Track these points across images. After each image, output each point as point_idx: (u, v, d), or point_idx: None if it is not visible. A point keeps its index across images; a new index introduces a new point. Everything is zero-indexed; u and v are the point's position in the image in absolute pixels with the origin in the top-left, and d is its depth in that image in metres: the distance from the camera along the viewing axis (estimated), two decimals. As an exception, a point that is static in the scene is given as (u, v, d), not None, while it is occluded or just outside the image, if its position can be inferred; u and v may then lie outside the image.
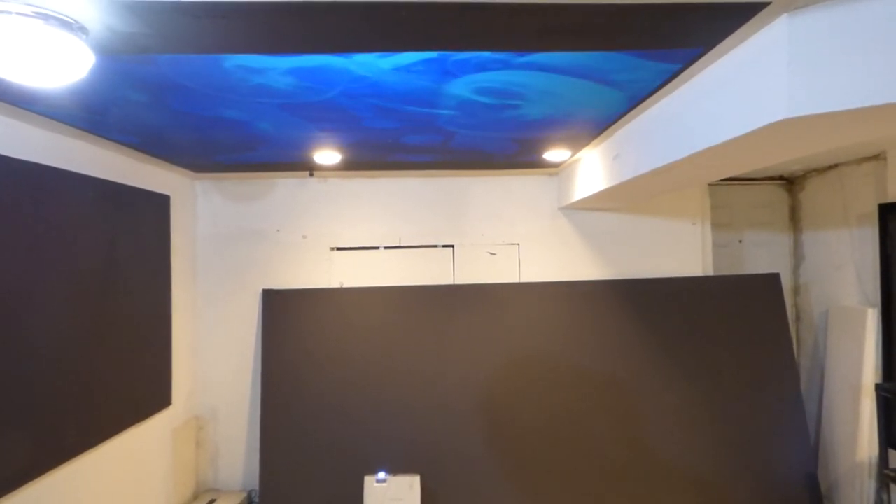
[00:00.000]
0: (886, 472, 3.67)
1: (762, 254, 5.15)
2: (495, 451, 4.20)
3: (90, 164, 3.16)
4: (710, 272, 4.83)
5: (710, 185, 4.93)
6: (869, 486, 4.03)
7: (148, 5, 1.57)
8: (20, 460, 2.59)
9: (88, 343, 3.09)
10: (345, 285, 4.60)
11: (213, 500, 4.16)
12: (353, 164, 4.09)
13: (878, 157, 4.14)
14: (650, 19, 1.76)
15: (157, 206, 3.87)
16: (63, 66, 1.71)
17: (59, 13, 1.58)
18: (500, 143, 3.48)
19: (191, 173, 4.30)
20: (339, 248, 4.63)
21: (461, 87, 2.41)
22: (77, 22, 1.64)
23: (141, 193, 3.66)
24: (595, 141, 3.50)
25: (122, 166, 3.48)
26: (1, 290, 2.49)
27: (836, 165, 4.57)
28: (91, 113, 2.60)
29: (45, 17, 1.57)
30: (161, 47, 1.86)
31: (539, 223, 4.75)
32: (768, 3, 1.68)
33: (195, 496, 4.34)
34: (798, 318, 5.06)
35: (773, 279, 4.61)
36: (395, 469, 4.06)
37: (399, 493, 3.78)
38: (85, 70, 1.79)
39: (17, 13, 1.53)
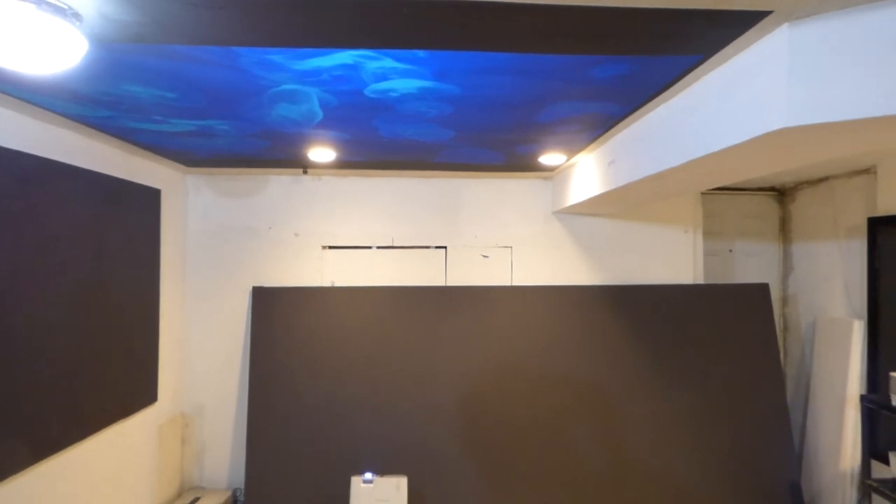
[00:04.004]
0: (869, 482, 3.69)
1: (752, 263, 5.17)
2: (482, 453, 4.18)
3: (80, 155, 3.12)
4: (701, 280, 4.84)
5: (702, 193, 4.95)
6: (851, 495, 4.05)
7: (145, -7, 1.55)
8: (2, 454, 2.54)
9: (74, 336, 3.05)
10: (336, 284, 4.57)
11: (197, 498, 4.11)
12: (348, 163, 4.06)
13: (868, 171, 4.17)
14: (651, 25, 1.76)
15: (147, 200, 3.83)
16: (55, 53, 1.68)
17: (52, -2, 1.55)
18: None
19: (182, 167, 4.26)
20: (331, 247, 4.60)
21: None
22: (70, 8, 1.61)
23: (131, 186, 3.62)
24: (590, 146, 3.50)
25: (113, 158, 3.44)
26: (-15, 279, 2.45)
27: (827, 178, 4.60)
28: (82, 103, 2.56)
29: (38, 2, 1.54)
30: (156, 37, 1.84)
31: (532, 227, 4.74)
32: (770, 12, 1.68)
33: (179, 494, 4.29)
34: (785, 328, 5.09)
35: (762, 289, 4.63)
36: (382, 470, 4.04)
37: (386, 494, 3.75)
38: (78, 58, 1.77)
39: (10, -3, 1.50)
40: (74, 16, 1.65)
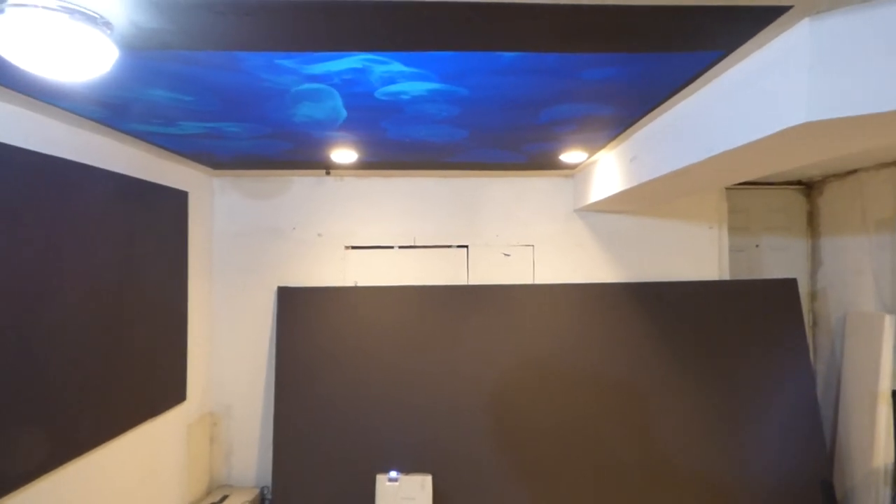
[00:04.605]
0: (903, 481, 3.62)
1: (779, 258, 5.10)
2: (506, 451, 4.19)
3: (110, 158, 3.20)
4: (727, 276, 4.79)
5: (727, 188, 4.89)
6: (885, 493, 3.98)
7: (172, 1, 1.59)
8: (36, 452, 2.62)
9: (105, 336, 3.13)
10: (359, 284, 4.61)
11: (226, 496, 4.19)
12: (369, 164, 4.10)
13: (898, 163, 4.10)
14: (671, 21, 1.75)
15: (175, 202, 3.91)
16: (87, 60, 1.74)
17: (84, 8, 1.60)
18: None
19: (209, 170, 4.33)
20: (353, 247, 4.65)
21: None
22: (102, 17, 1.66)
23: (160, 189, 3.70)
24: (612, 143, 3.49)
25: (142, 162, 3.52)
26: (19, 282, 2.52)
27: (855, 171, 4.52)
28: (113, 108, 2.63)
29: (71, 12, 1.59)
30: (184, 44, 1.88)
31: (554, 225, 4.74)
32: (790, 7, 1.67)
33: (208, 492, 4.37)
34: (815, 324, 5.01)
35: (790, 284, 4.56)
36: (407, 468, 4.07)
37: (411, 493, 3.79)
38: (109, 65, 1.82)
39: (43, 7, 1.55)
40: (105, 24, 1.70)
